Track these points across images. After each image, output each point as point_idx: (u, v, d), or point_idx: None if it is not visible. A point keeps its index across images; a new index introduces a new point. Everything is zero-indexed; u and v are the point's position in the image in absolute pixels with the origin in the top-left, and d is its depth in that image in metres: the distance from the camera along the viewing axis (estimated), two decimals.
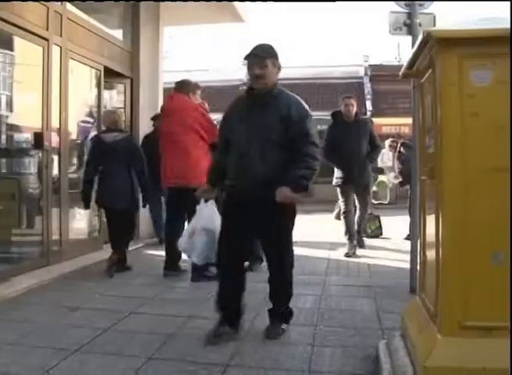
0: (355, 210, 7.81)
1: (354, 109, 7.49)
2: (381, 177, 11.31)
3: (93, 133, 7.47)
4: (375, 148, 7.59)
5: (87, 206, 6.17)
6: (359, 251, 7.47)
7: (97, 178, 6.10)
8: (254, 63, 3.71)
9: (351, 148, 7.24)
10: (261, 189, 3.61)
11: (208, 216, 4.52)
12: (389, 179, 10.19)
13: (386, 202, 10.11)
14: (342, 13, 64.37)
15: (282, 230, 3.83)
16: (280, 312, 3.93)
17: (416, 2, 5.16)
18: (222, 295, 3.86)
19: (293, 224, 3.92)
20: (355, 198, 7.74)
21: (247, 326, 4.02)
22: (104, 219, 7.47)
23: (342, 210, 7.66)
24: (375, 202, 10.26)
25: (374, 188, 10.32)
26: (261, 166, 3.64)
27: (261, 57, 3.71)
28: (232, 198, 3.84)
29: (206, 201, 4.52)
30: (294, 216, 3.90)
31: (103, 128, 6.61)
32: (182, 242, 4.78)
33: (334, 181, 7.66)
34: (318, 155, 3.74)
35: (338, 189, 7.66)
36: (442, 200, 2.59)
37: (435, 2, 5.29)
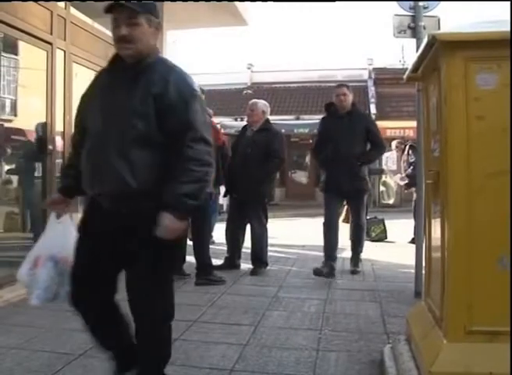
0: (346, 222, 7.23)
1: (349, 99, 6.28)
2: (384, 178, 10.97)
3: None
4: (375, 148, 6.37)
5: None
6: (363, 255, 7.42)
7: None
8: (120, 18, 2.58)
9: (340, 146, 6.05)
10: (123, 208, 2.49)
11: (59, 238, 2.95)
12: (396, 180, 10.01)
13: (391, 202, 9.89)
14: (345, 14, 64.46)
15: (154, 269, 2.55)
16: None
17: (420, 5, 5.15)
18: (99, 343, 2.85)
19: (172, 264, 2.89)
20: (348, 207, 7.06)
21: (250, 330, 4.01)
22: None
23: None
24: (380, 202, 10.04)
25: (381, 188, 10.15)
26: (120, 171, 2.44)
27: (132, 10, 2.56)
28: (90, 213, 2.75)
29: (58, 216, 2.96)
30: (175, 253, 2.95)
31: None
32: (22, 273, 2.99)
33: (319, 185, 6.71)
34: (209, 157, 2.49)
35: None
36: (447, 204, 2.58)
37: (440, 3, 5.27)
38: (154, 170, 2.46)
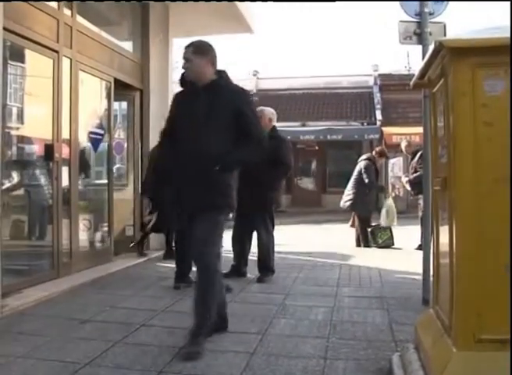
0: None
1: (208, 69, 3.95)
2: (387, 200, 10.02)
3: (102, 144, 7.50)
4: (243, 143, 3.93)
5: None
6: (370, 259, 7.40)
7: None
8: None
9: (189, 137, 3.89)
10: None
11: None
12: (402, 183, 9.72)
13: (394, 224, 9.51)
14: (351, 21, 64.56)
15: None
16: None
17: (426, 11, 5.14)
18: None
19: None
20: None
21: (258, 338, 3.99)
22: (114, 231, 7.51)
23: None
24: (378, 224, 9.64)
25: (383, 209, 9.66)
26: None
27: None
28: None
29: None
30: None
31: None
32: None
33: None
34: None
35: None
36: (455, 210, 2.56)
37: (446, 10, 5.26)
38: None
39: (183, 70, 4.07)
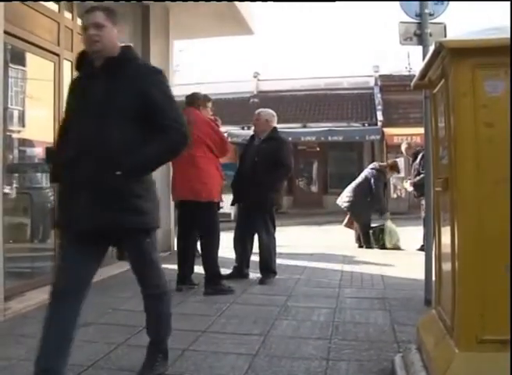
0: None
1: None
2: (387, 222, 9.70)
3: None
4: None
5: None
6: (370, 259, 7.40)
7: None
8: None
9: (80, 135, 3.10)
10: None
11: None
12: (406, 187, 9.73)
13: (399, 243, 9.46)
14: (351, 22, 64.60)
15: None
16: None
17: (426, 12, 5.14)
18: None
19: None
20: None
21: (260, 340, 3.99)
22: None
23: None
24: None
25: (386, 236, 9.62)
26: None
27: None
28: None
29: None
30: None
31: None
32: None
33: None
34: None
35: None
36: (456, 211, 2.56)
37: (446, 10, 5.26)
38: None
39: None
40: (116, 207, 2.89)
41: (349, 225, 10.00)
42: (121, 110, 2.92)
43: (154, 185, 3.16)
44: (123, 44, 3.11)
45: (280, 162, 6.18)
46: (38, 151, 6.36)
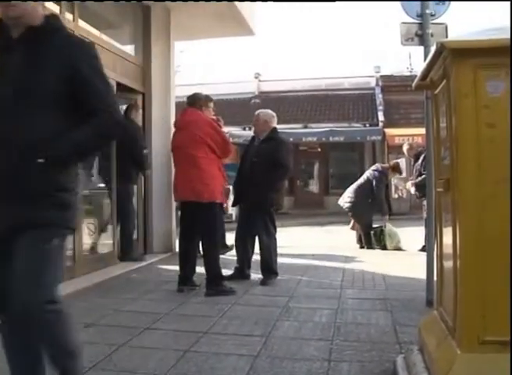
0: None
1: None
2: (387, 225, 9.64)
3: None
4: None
5: None
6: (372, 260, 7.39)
7: None
8: None
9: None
10: None
11: None
12: (407, 188, 9.71)
13: (400, 245, 9.45)
14: (352, 23, 64.58)
15: None
16: None
17: (427, 12, 5.14)
18: None
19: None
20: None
21: (261, 341, 3.99)
22: (118, 234, 7.51)
23: None
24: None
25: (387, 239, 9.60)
26: None
27: None
28: None
29: None
30: None
31: None
32: None
33: None
34: None
35: None
36: (458, 212, 2.56)
37: (447, 11, 5.26)
38: None
39: None
40: (38, 200, 2.39)
41: (355, 227, 9.99)
42: (44, 89, 2.41)
43: (79, 178, 2.61)
44: (49, 14, 2.62)
45: (279, 163, 6.17)
46: None
